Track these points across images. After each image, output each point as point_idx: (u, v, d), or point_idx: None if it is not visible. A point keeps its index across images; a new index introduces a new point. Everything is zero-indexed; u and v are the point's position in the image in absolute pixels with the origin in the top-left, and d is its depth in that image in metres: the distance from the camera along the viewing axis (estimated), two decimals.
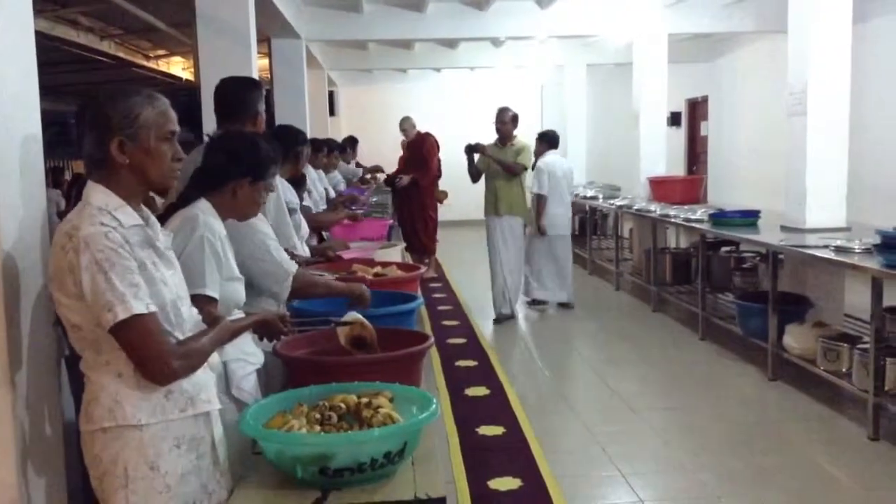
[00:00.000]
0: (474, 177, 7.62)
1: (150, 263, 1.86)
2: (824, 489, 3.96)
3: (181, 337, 1.92)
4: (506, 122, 7.45)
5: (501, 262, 7.49)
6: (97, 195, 1.85)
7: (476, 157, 7.55)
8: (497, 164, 7.32)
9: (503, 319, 7.58)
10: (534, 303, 8.19)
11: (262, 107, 3.31)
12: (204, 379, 1.98)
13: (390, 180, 9.64)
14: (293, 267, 2.79)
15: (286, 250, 3.03)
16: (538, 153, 8.02)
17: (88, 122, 1.87)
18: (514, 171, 7.35)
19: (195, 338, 1.95)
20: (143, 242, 1.88)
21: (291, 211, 3.74)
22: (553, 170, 7.85)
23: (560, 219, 7.92)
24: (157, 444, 1.85)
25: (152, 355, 1.80)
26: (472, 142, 7.54)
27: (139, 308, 1.76)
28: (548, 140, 8.11)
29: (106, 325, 1.76)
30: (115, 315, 1.74)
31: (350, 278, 3.35)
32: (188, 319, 1.99)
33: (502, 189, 7.42)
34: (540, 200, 7.83)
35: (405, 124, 9.88)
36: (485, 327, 7.46)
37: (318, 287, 2.93)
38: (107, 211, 1.82)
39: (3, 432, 1.97)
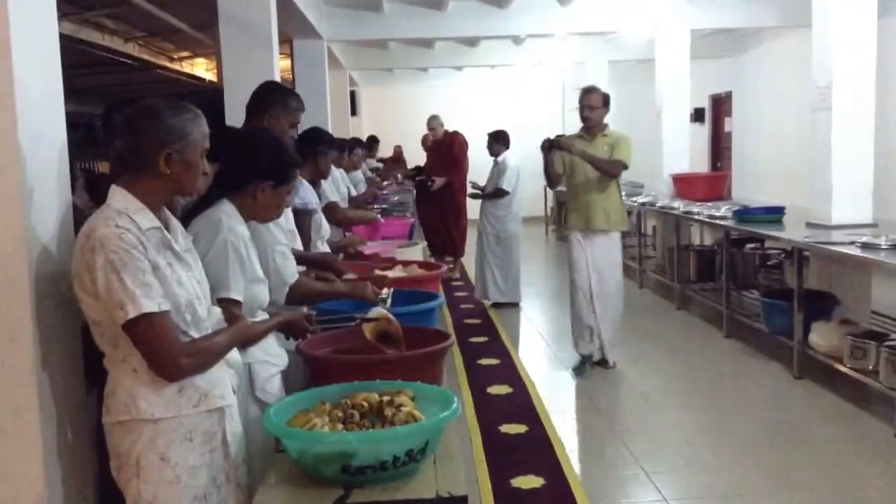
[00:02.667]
0: (553, 181, 5.90)
1: (165, 265, 1.92)
2: (850, 487, 3.92)
3: (197, 336, 1.97)
4: (595, 105, 5.52)
5: (591, 291, 5.72)
6: (119, 198, 1.93)
7: (555, 154, 5.69)
8: (590, 163, 5.49)
9: (585, 364, 5.83)
10: (494, 306, 8.12)
11: (280, 110, 3.29)
12: (218, 375, 2.02)
13: (422, 183, 9.45)
14: (291, 278, 2.76)
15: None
16: (497, 153, 8.19)
17: (134, 129, 1.94)
18: (611, 173, 5.51)
19: (208, 337, 2.00)
20: (160, 245, 1.94)
21: (312, 212, 3.76)
22: (519, 169, 8.09)
23: (518, 218, 8.17)
24: (168, 436, 1.91)
25: (161, 352, 1.87)
26: (552, 136, 5.73)
27: (150, 307, 1.83)
28: (503, 139, 8.22)
29: (118, 323, 1.84)
30: (126, 313, 1.82)
31: (355, 279, 3.33)
32: (207, 318, 2.04)
33: (596, 195, 5.57)
34: (500, 195, 8.03)
35: (433, 123, 9.69)
36: (507, 326, 7.45)
37: (317, 295, 2.87)
38: (125, 214, 1.89)
39: (31, 429, 2.00)
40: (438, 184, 9.21)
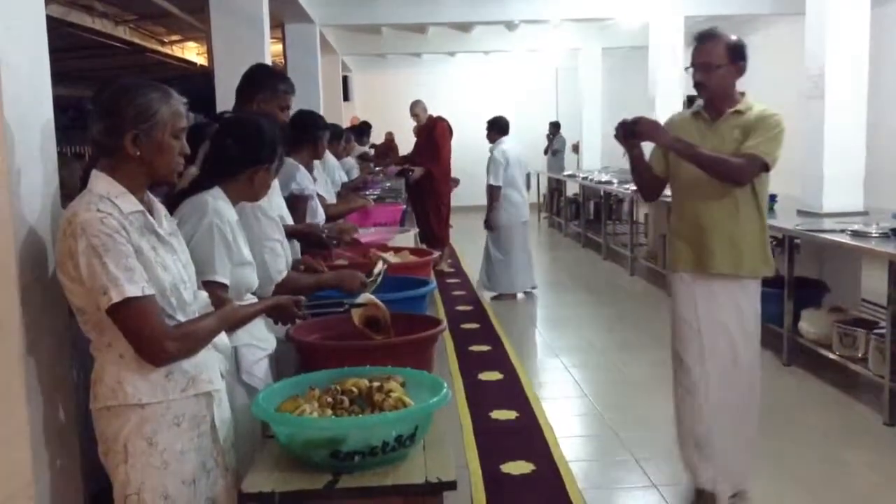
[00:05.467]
0: (646, 189, 3.60)
1: (149, 248, 1.91)
2: (839, 475, 3.95)
3: (183, 320, 1.96)
4: (714, 61, 3.23)
5: (705, 373, 3.34)
6: (100, 183, 1.91)
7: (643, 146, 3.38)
8: (691, 160, 3.21)
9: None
10: (498, 297, 8.02)
11: (269, 93, 3.27)
12: (206, 359, 2.02)
13: (402, 172, 9.24)
14: (278, 276, 2.75)
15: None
16: (491, 141, 7.99)
17: (103, 111, 1.92)
18: (730, 176, 3.20)
19: (195, 321, 1.99)
20: (143, 228, 1.92)
21: (308, 197, 3.74)
22: (508, 158, 7.83)
23: (518, 207, 7.91)
24: (156, 421, 1.91)
25: (146, 337, 1.85)
26: (629, 116, 3.28)
27: (133, 291, 1.81)
28: (499, 127, 8.02)
29: (102, 308, 1.82)
30: (110, 298, 1.80)
31: (338, 266, 3.31)
32: (193, 303, 2.03)
33: (715, 216, 3.29)
34: (493, 192, 7.78)
35: (416, 108, 9.46)
36: (498, 313, 7.45)
37: (303, 290, 2.79)
38: (107, 198, 1.87)
39: (18, 414, 1.99)
40: (417, 174, 8.97)
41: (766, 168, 3.22)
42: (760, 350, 3.45)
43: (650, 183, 3.53)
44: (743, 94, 3.36)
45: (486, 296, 8.07)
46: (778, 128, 3.24)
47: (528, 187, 8.21)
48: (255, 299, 2.44)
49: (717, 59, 3.23)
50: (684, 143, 3.23)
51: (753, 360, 3.39)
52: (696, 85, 3.31)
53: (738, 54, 3.26)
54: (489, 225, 7.90)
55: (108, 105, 1.91)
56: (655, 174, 3.49)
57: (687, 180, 3.34)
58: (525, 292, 8.08)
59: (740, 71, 3.28)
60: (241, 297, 2.36)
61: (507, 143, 7.99)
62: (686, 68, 3.35)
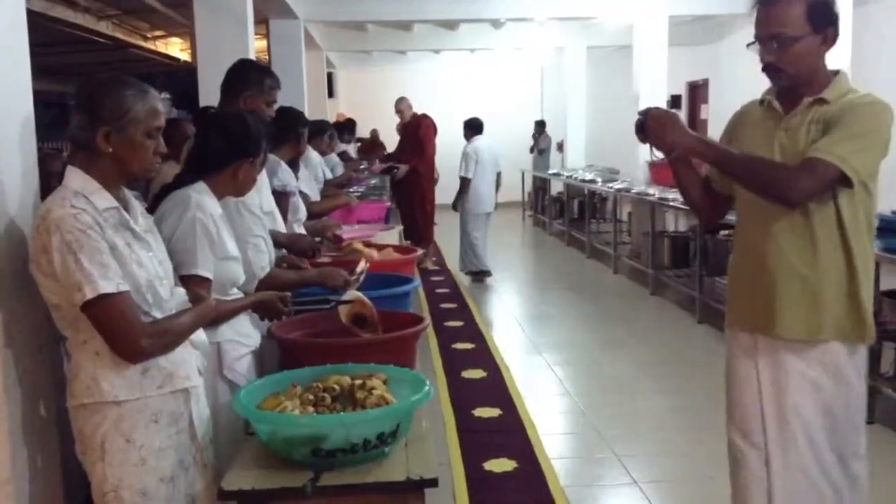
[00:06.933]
0: (697, 205, 2.59)
1: (124, 245, 1.90)
2: None
3: (160, 316, 1.95)
4: (786, 33, 2.18)
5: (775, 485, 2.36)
6: (75, 179, 1.90)
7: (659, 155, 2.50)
8: (728, 169, 2.30)
9: None
10: (472, 274, 8.77)
11: (255, 89, 3.25)
12: (183, 356, 2.01)
13: (387, 170, 9.26)
14: (262, 272, 2.74)
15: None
16: (466, 139, 8.85)
17: (78, 105, 1.91)
18: (781, 192, 2.18)
19: (172, 317, 1.98)
20: (118, 225, 1.92)
21: (290, 194, 3.73)
22: (480, 154, 8.70)
23: (487, 198, 8.76)
24: (133, 418, 1.90)
25: (121, 333, 1.85)
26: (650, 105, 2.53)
27: (107, 287, 1.80)
28: (473, 127, 8.89)
29: (77, 305, 1.81)
30: (84, 294, 1.79)
31: (321, 263, 3.30)
32: (170, 299, 2.02)
33: (780, 251, 2.25)
34: (464, 183, 8.69)
35: (400, 105, 9.50)
36: (482, 310, 7.47)
37: (287, 286, 2.74)
38: (82, 194, 1.86)
39: None
40: (402, 172, 9.04)
41: (843, 181, 2.14)
42: (864, 447, 2.48)
43: (702, 200, 2.53)
44: (837, 73, 2.29)
45: (470, 292, 8.12)
46: (873, 123, 2.17)
47: (499, 185, 9.04)
48: (240, 294, 2.43)
49: (794, 29, 2.20)
50: (710, 146, 2.35)
51: (842, 460, 2.39)
52: (766, 68, 2.27)
53: (824, 17, 2.21)
54: (455, 207, 8.91)
55: (83, 100, 1.91)
56: (713, 189, 2.51)
57: (748, 200, 2.33)
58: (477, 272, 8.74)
59: (829, 41, 2.24)
60: (225, 292, 2.36)
61: (479, 140, 8.77)
62: (748, 45, 2.29)
